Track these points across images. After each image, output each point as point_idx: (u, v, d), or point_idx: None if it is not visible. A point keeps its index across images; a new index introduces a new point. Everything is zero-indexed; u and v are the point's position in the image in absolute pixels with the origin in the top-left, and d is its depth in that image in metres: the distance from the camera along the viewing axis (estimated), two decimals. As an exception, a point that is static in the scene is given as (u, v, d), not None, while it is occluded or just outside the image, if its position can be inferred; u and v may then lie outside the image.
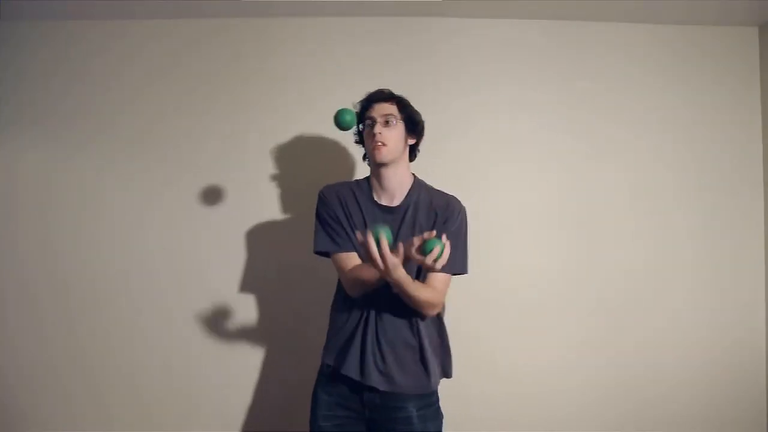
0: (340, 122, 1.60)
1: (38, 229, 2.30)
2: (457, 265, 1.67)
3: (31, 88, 2.32)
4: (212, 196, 2.29)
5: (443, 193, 1.75)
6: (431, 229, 1.60)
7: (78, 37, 2.33)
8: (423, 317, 1.67)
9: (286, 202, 2.28)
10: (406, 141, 1.72)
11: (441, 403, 1.74)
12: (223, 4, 2.21)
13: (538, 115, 2.32)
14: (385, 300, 1.63)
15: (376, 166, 1.71)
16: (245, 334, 2.27)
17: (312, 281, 2.18)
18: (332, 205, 1.71)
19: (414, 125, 1.73)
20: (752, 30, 2.37)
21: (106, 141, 2.32)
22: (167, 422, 2.25)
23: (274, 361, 2.25)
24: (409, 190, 1.72)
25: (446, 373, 1.76)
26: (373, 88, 1.78)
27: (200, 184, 2.30)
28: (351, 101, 1.77)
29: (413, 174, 1.77)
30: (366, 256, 1.48)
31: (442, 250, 1.41)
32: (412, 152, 1.79)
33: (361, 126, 1.76)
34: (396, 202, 1.71)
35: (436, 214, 1.67)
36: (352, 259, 1.67)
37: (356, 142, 1.84)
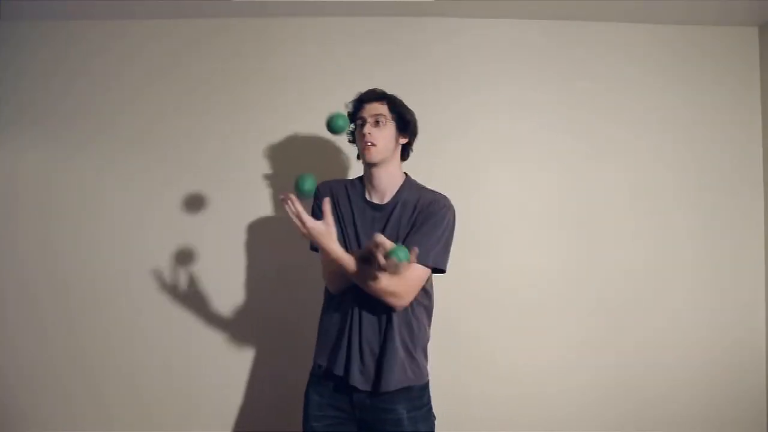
0: (332, 127, 1.61)
1: (38, 229, 2.30)
2: (432, 258, 1.61)
3: (31, 88, 2.33)
4: (212, 196, 2.29)
5: (432, 191, 1.74)
6: (412, 223, 1.63)
7: (78, 37, 2.33)
8: (393, 310, 1.62)
9: (286, 202, 2.28)
10: (397, 141, 1.73)
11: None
12: (223, 4, 2.21)
13: (538, 115, 2.32)
14: (366, 298, 1.63)
15: (367, 166, 1.72)
16: (245, 334, 2.27)
17: (312, 281, 2.17)
18: (321, 197, 1.72)
19: (405, 125, 1.73)
20: (752, 30, 2.37)
21: (106, 141, 2.32)
22: (167, 422, 2.25)
23: (275, 361, 2.25)
24: (399, 188, 1.73)
25: (416, 375, 1.67)
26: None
27: (200, 184, 2.30)
28: (350, 101, 1.78)
29: (405, 173, 1.78)
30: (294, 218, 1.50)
31: (401, 259, 1.37)
32: (405, 151, 1.79)
33: (353, 125, 1.77)
34: (385, 200, 1.72)
35: (420, 210, 1.66)
36: None
37: (350, 142, 1.85)
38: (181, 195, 2.29)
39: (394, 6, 2.23)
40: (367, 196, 1.74)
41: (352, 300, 1.67)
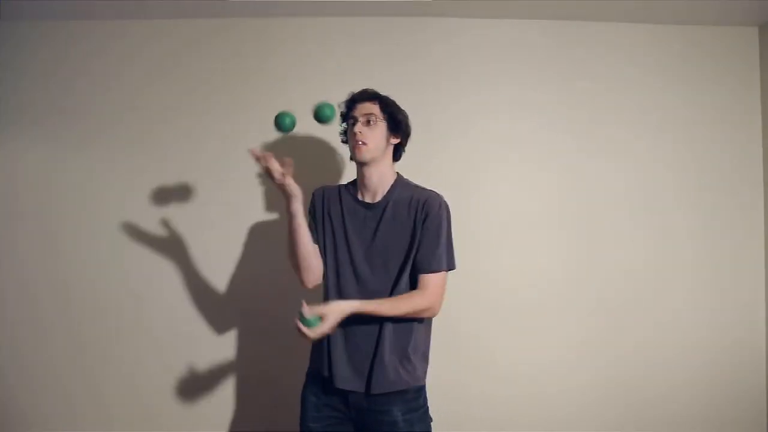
0: (319, 116, 1.66)
1: (38, 229, 2.30)
2: (445, 262, 1.68)
3: (31, 88, 2.32)
4: (212, 196, 2.29)
5: (424, 188, 1.75)
6: (413, 225, 1.66)
7: (78, 37, 2.33)
8: (421, 320, 1.69)
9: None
10: (388, 140, 1.74)
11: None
12: (223, 4, 2.21)
13: (538, 115, 2.32)
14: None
15: (359, 165, 1.74)
16: (245, 334, 2.27)
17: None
18: (314, 205, 1.80)
19: (397, 125, 1.75)
20: (752, 30, 2.37)
21: (106, 141, 2.32)
22: (167, 422, 2.25)
23: (274, 361, 2.25)
24: (391, 187, 1.74)
25: (411, 378, 1.68)
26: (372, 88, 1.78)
27: (200, 184, 2.30)
28: (343, 101, 1.79)
29: (397, 172, 1.79)
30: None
31: (307, 325, 1.53)
32: (398, 152, 1.80)
33: (344, 125, 1.79)
34: (377, 199, 1.74)
35: (416, 210, 1.68)
36: None
37: (343, 142, 1.86)
38: (181, 195, 2.29)
39: (394, 6, 2.23)
40: (359, 197, 1.76)
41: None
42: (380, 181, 1.74)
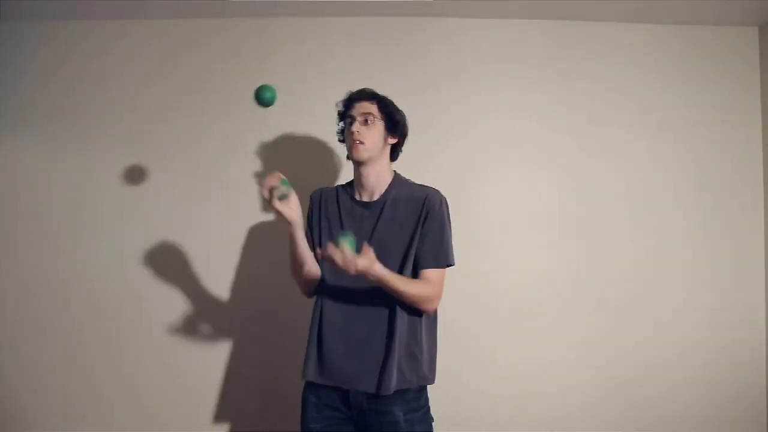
0: (261, 99, 1.68)
1: (38, 229, 2.30)
2: (447, 257, 1.69)
3: (31, 88, 2.32)
4: (212, 196, 2.29)
5: (423, 186, 1.76)
6: (414, 223, 1.67)
7: (78, 37, 2.33)
8: (421, 314, 1.68)
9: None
10: (385, 140, 1.74)
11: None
12: (223, 4, 2.21)
13: (538, 115, 2.32)
14: (355, 299, 1.67)
15: (356, 164, 1.75)
16: (246, 334, 2.27)
17: (312, 281, 2.18)
18: (311, 207, 1.81)
19: (394, 125, 1.75)
20: (752, 30, 2.37)
21: (106, 141, 2.32)
22: (167, 422, 2.25)
23: (274, 361, 2.25)
24: (388, 186, 1.75)
25: (421, 377, 1.68)
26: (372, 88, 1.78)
27: (200, 184, 2.30)
28: (341, 100, 1.79)
29: (395, 171, 1.79)
30: (329, 263, 1.53)
31: (350, 245, 1.48)
32: (395, 152, 1.81)
33: (342, 124, 1.79)
34: (374, 198, 1.74)
35: (417, 207, 1.69)
36: None
37: (340, 141, 1.86)
38: (181, 195, 2.29)
39: (394, 6, 2.23)
40: (356, 196, 1.77)
41: (337, 299, 1.70)
42: (377, 180, 1.74)
